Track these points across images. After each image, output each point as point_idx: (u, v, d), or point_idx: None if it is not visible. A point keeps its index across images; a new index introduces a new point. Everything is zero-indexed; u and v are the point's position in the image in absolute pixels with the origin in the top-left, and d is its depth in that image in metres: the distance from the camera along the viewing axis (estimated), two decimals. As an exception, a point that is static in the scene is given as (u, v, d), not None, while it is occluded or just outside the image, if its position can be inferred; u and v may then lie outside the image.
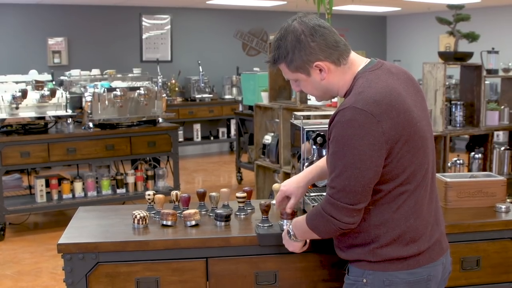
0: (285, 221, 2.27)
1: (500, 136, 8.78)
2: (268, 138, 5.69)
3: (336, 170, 1.85)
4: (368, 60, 2.00)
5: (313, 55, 1.92)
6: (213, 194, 2.61)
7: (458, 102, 5.23)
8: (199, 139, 10.03)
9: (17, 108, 5.40)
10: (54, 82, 6.11)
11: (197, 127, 9.95)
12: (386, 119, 1.80)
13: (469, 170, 5.50)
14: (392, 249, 1.91)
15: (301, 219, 2.04)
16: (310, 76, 1.97)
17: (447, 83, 6.31)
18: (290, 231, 2.11)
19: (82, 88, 6.05)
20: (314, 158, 2.54)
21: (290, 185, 2.27)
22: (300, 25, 1.93)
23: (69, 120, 5.71)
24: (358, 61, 1.98)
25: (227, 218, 2.43)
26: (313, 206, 2.34)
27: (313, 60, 1.92)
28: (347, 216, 1.86)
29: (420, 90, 2.03)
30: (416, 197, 1.91)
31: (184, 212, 2.44)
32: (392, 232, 1.90)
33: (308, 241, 2.16)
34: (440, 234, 2.03)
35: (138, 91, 5.91)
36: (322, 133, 2.53)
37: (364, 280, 1.95)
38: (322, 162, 2.27)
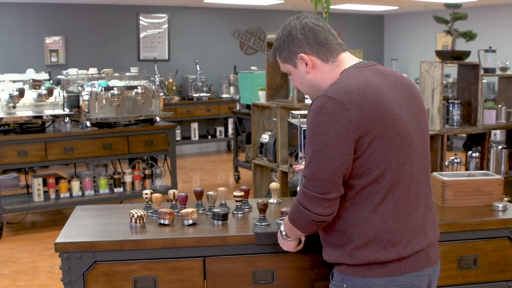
0: (281, 222, 2.28)
1: (498, 135, 8.81)
2: (265, 137, 5.68)
3: (307, 159, 1.87)
4: (361, 60, 2.01)
5: (299, 47, 1.98)
6: (211, 193, 2.61)
7: (456, 101, 5.23)
8: (197, 138, 10.03)
9: (14, 107, 5.39)
10: (51, 81, 6.09)
11: (194, 126, 9.95)
12: (356, 109, 1.81)
13: (467, 169, 5.50)
14: (369, 251, 1.87)
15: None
16: (296, 68, 2.03)
17: (444, 82, 6.31)
18: (282, 230, 2.11)
19: (79, 87, 6.04)
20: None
21: None
22: (295, 21, 2.01)
23: (67, 119, 5.70)
24: (348, 60, 2.00)
25: (224, 217, 2.43)
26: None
27: (298, 51, 1.98)
28: (317, 207, 1.84)
29: (415, 95, 1.99)
30: (395, 199, 1.87)
31: (182, 211, 2.44)
32: (367, 233, 1.87)
33: (303, 240, 2.16)
34: (428, 245, 1.96)
35: (135, 90, 5.91)
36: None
37: (344, 286, 1.94)
38: None
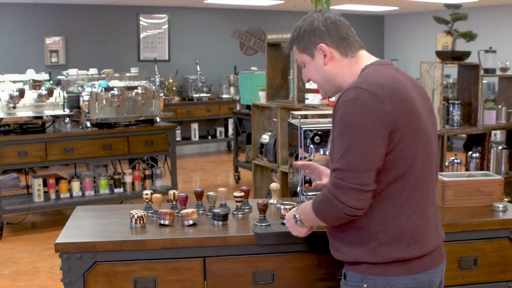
0: (282, 206, 2.29)
1: (498, 135, 8.81)
2: (265, 138, 5.68)
3: (340, 151, 1.81)
4: (379, 59, 2.03)
5: (320, 37, 1.99)
6: (211, 193, 2.61)
7: (456, 101, 5.23)
8: (197, 138, 10.03)
9: (14, 107, 5.39)
10: (51, 82, 6.09)
11: (194, 126, 9.95)
12: (389, 102, 1.81)
13: (467, 169, 5.50)
14: (394, 249, 1.86)
15: (308, 204, 1.98)
16: (314, 59, 2.03)
17: (444, 82, 6.31)
18: (297, 216, 2.06)
19: (79, 88, 6.04)
20: (312, 157, 2.54)
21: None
22: (317, 14, 2.03)
23: (67, 120, 5.70)
24: (367, 57, 2.02)
25: (224, 217, 2.43)
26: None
27: (319, 42, 1.99)
28: (353, 199, 1.79)
29: (427, 97, 2.02)
30: (418, 196, 1.88)
31: (182, 211, 2.44)
32: (393, 230, 1.86)
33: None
34: (440, 243, 2.00)
35: (135, 90, 5.91)
36: (319, 132, 2.53)
37: (365, 286, 1.90)
38: None
